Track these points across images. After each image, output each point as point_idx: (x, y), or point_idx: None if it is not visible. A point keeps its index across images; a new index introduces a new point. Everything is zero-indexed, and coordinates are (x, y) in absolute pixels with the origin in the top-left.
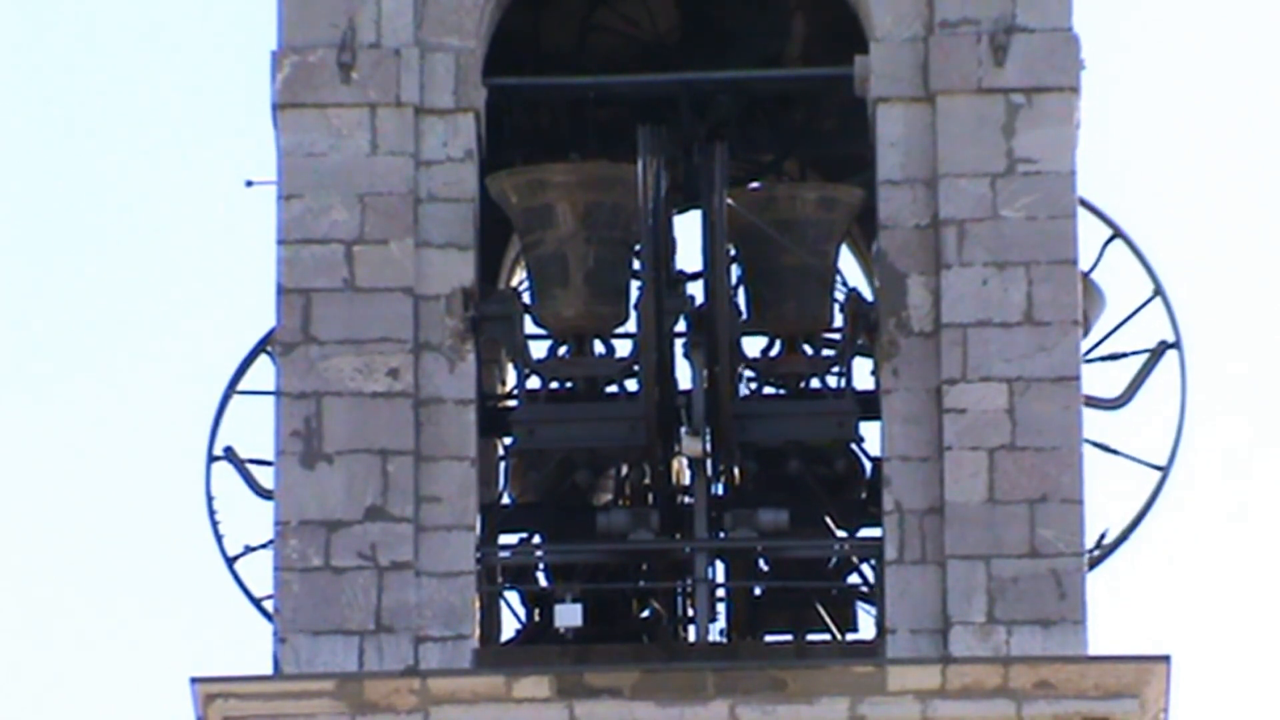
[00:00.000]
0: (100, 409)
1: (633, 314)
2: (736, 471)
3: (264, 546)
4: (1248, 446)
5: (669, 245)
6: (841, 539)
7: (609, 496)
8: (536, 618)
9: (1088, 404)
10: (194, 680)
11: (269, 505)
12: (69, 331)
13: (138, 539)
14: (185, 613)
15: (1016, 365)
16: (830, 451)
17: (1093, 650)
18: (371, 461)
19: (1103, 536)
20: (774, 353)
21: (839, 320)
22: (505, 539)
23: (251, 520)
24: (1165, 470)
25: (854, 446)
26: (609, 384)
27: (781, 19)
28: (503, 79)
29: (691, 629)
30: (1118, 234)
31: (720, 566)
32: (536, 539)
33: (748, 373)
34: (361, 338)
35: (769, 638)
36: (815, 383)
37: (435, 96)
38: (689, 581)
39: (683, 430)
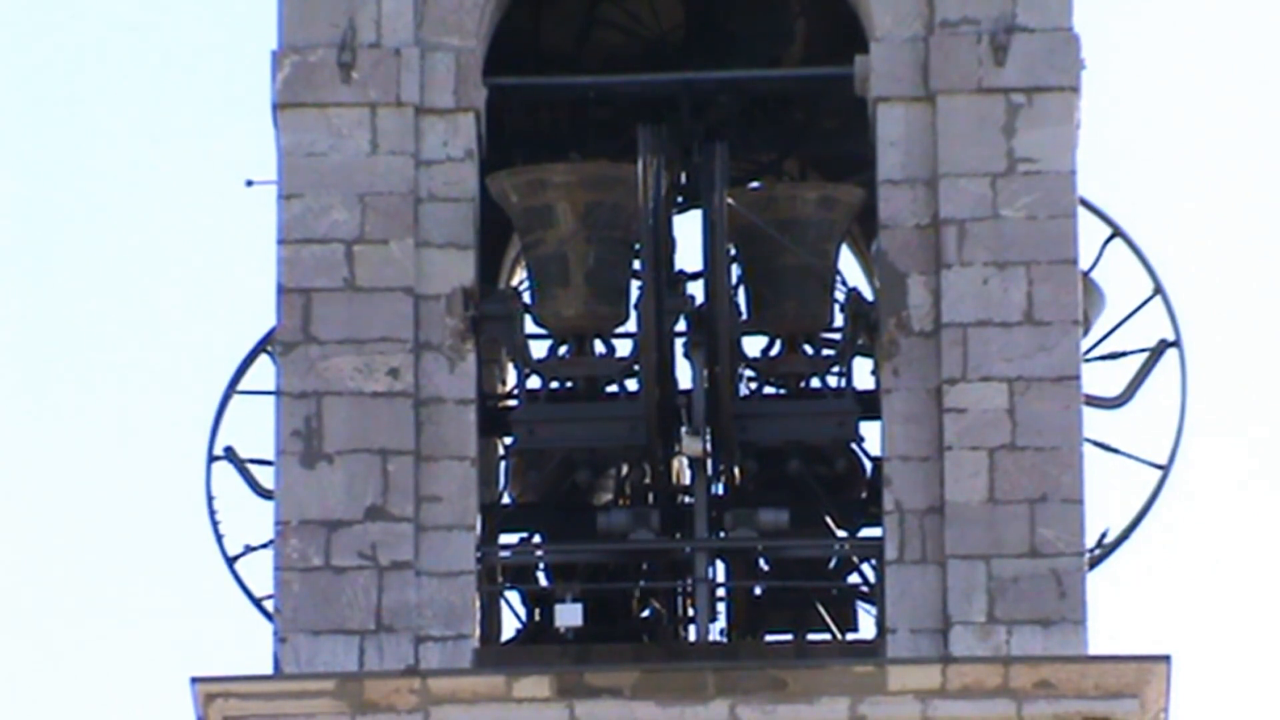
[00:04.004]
0: (100, 409)
1: (633, 314)
2: (736, 471)
3: (264, 546)
4: (1248, 446)
5: (669, 245)
6: (841, 539)
7: (609, 496)
8: (536, 617)
9: (1088, 403)
10: (194, 680)
11: (269, 505)
12: (69, 331)
13: (138, 539)
14: (185, 613)
15: (1016, 365)
16: (830, 451)
17: (1093, 650)
18: (371, 461)
19: (1103, 536)
20: (774, 353)
21: (839, 320)
22: (505, 539)
23: (251, 520)
24: (1165, 469)
25: (854, 446)
26: (609, 384)
27: (785, 21)
28: (503, 79)
29: (691, 629)
30: (1117, 233)
31: (720, 566)
32: (536, 539)
33: (748, 373)
34: (361, 337)
35: (769, 638)
36: (815, 382)
37: (435, 96)
38: (689, 581)
39: (683, 430)
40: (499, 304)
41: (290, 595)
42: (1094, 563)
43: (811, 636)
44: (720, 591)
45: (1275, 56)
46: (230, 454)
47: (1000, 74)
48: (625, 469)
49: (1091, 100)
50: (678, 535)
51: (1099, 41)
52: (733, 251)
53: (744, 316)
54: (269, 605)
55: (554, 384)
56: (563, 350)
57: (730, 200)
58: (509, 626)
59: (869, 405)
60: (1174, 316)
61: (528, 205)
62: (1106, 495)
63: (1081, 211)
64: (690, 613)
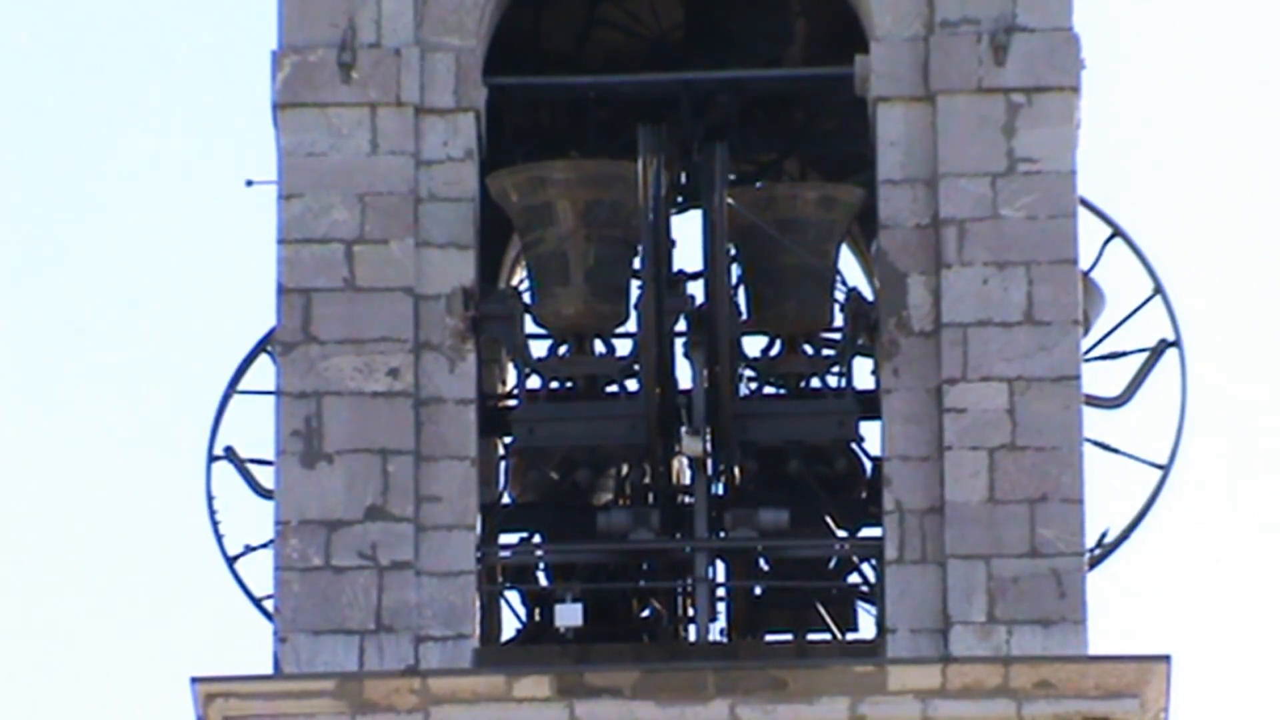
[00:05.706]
0: (100, 409)
1: (633, 313)
2: (736, 471)
3: (264, 546)
4: (1248, 446)
5: (669, 244)
6: (841, 539)
7: (609, 496)
8: (537, 617)
9: (1088, 403)
10: (194, 680)
11: (269, 505)
12: (69, 331)
13: (138, 539)
14: (185, 613)
15: (1017, 365)
16: (830, 451)
17: (1093, 650)
18: (371, 461)
19: (1103, 536)
20: (774, 352)
21: (839, 320)
22: (505, 538)
23: (251, 520)
24: (1166, 469)
25: (854, 446)
26: (609, 383)
27: (785, 21)
28: (503, 78)
29: (691, 629)
30: (1118, 233)
31: (720, 566)
32: (536, 539)
33: (748, 372)
34: (361, 337)
35: (769, 637)
36: (815, 382)
37: (435, 96)
38: (689, 581)
39: (683, 430)
40: (499, 304)
41: (290, 595)
42: (1094, 563)
43: (811, 636)
44: (720, 591)
45: (1275, 56)
46: (230, 454)
47: (1000, 74)
48: (625, 469)
49: (1091, 100)
50: (678, 535)
51: (1099, 41)
52: (733, 251)
53: (744, 316)
54: (269, 605)
55: (554, 383)
56: (563, 350)
57: (730, 200)
58: (509, 626)
59: (869, 405)
60: (1174, 316)
61: (527, 203)
62: (1106, 495)
63: (1081, 211)
64: (690, 613)
